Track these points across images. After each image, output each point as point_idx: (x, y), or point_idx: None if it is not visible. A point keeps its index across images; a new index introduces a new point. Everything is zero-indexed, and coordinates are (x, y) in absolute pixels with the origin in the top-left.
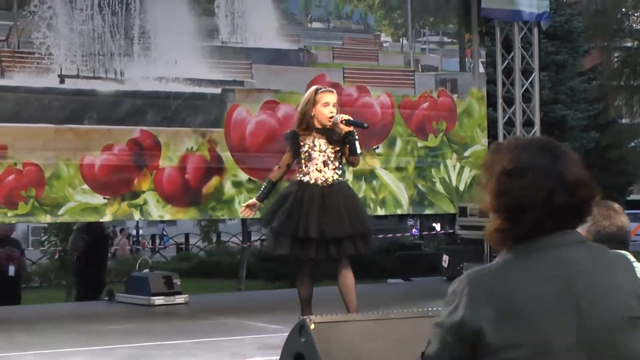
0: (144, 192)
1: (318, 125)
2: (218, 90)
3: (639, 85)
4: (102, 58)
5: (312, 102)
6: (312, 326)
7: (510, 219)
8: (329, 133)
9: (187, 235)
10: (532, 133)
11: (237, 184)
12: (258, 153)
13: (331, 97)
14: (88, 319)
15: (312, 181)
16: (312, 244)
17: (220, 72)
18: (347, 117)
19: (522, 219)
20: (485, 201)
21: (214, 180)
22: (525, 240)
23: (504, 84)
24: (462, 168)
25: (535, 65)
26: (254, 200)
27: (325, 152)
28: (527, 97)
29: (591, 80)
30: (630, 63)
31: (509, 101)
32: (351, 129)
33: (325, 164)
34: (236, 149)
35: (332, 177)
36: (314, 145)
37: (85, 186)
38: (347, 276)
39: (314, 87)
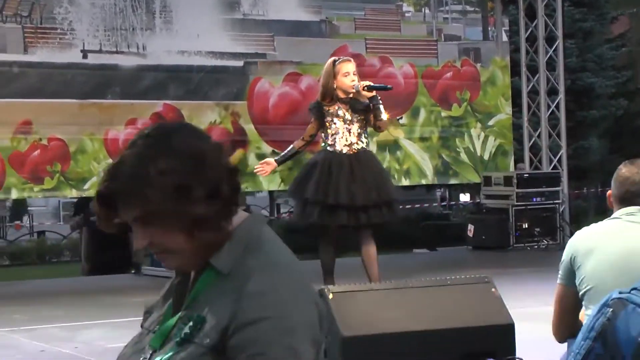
0: None
1: (342, 96)
2: (240, 63)
3: None
4: (124, 32)
5: (333, 74)
6: (330, 296)
7: None
8: (353, 102)
9: None
10: (556, 101)
11: (260, 156)
12: (281, 125)
13: (350, 66)
14: (114, 292)
15: (338, 150)
16: (343, 211)
17: (242, 45)
18: (367, 82)
19: None
20: None
21: (238, 153)
22: None
23: (527, 52)
24: (486, 137)
25: (559, 32)
26: (271, 159)
27: (350, 121)
28: (551, 65)
29: (619, 47)
30: None
31: (533, 69)
32: (374, 93)
33: (350, 132)
34: (259, 121)
35: (358, 145)
36: (339, 115)
37: (110, 160)
38: (370, 247)
39: (331, 59)
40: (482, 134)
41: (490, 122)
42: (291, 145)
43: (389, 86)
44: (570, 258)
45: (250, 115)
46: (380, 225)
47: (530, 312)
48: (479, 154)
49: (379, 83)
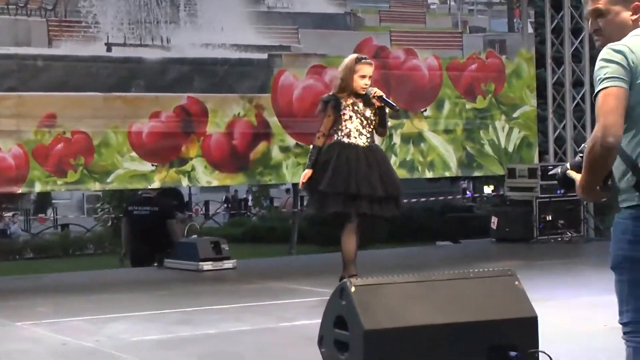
0: (191, 158)
1: (356, 90)
2: (264, 56)
3: None
4: (148, 25)
5: (353, 70)
6: (353, 289)
7: None
8: (366, 97)
9: (240, 201)
10: (581, 93)
11: (284, 149)
12: (305, 118)
13: (369, 70)
14: (136, 285)
15: (353, 142)
16: (362, 200)
17: (266, 38)
18: (380, 93)
19: None
20: None
21: (262, 146)
22: None
23: (553, 44)
24: (510, 129)
25: (585, 24)
26: (308, 171)
27: (364, 114)
28: (577, 57)
29: None
30: None
31: (559, 61)
32: (382, 104)
33: (364, 125)
34: (283, 114)
35: (370, 139)
36: (355, 109)
37: (134, 153)
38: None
39: (354, 56)
40: (507, 126)
41: (515, 114)
42: (312, 146)
43: (397, 107)
44: (632, 66)
45: (275, 108)
46: (388, 219)
47: (554, 304)
48: (503, 146)
49: (404, 81)
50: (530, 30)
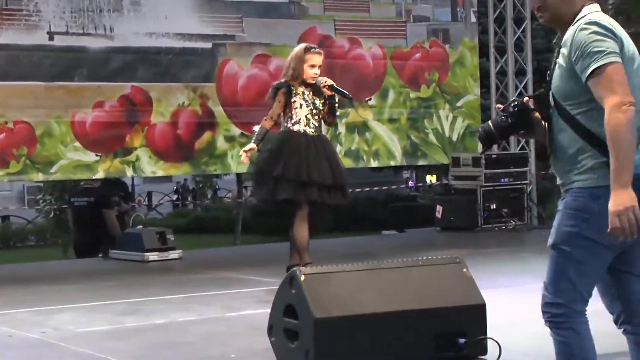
0: (136, 148)
1: (306, 80)
2: (209, 45)
3: (633, 32)
4: (91, 14)
5: (302, 60)
6: (302, 278)
7: None
8: (316, 86)
9: (191, 191)
10: (524, 82)
11: (229, 139)
12: (250, 107)
13: (318, 59)
14: (82, 276)
15: (302, 130)
16: (313, 188)
17: (210, 27)
18: (331, 82)
19: None
20: None
21: (207, 135)
22: None
23: (496, 34)
24: (454, 118)
25: (527, 13)
26: (252, 144)
27: (314, 103)
28: (519, 47)
29: None
30: (624, 11)
31: (502, 50)
32: (333, 94)
33: (313, 115)
34: (228, 103)
35: (319, 128)
36: (304, 97)
37: (77, 143)
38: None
39: (304, 45)
40: (451, 115)
41: (459, 103)
42: (259, 127)
43: (349, 95)
44: (623, 48)
45: (219, 98)
46: (334, 207)
47: (500, 292)
48: (447, 135)
49: (349, 70)
50: (474, 19)
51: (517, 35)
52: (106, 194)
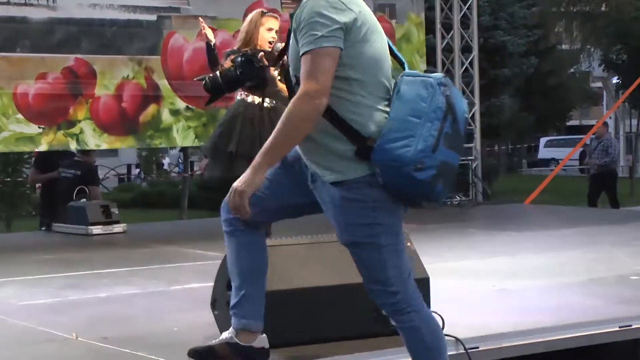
0: (80, 121)
1: (262, 46)
2: (154, 17)
3: (578, 11)
4: None
5: (258, 23)
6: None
7: None
8: (270, 54)
9: (128, 166)
10: (470, 58)
11: (174, 112)
12: (195, 81)
13: (275, 23)
14: (24, 249)
15: (256, 101)
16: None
17: None
18: None
19: None
20: None
21: (151, 109)
22: None
23: (442, 10)
24: None
25: None
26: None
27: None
28: (465, 23)
29: (531, 7)
30: None
31: (448, 27)
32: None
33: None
34: (173, 76)
35: (275, 99)
36: None
37: (20, 115)
38: None
39: (259, 10)
40: None
41: None
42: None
43: None
44: (357, 22)
45: (164, 71)
46: None
47: (445, 266)
48: None
49: None
50: None
51: (463, 12)
52: (93, 168)
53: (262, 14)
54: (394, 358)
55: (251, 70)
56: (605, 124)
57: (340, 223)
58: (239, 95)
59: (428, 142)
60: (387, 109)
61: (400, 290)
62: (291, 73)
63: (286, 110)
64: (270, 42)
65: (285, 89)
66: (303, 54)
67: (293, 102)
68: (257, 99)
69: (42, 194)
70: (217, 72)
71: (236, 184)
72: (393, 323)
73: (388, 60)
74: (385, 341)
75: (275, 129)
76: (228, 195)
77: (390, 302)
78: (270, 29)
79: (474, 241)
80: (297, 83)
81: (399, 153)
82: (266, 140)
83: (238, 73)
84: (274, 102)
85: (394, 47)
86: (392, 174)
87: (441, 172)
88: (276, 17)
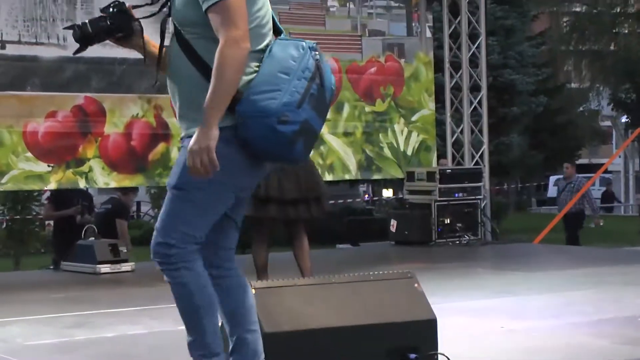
0: (89, 159)
1: None
2: None
3: (587, 50)
4: (44, 23)
5: None
6: (253, 291)
7: None
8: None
9: (138, 203)
10: (478, 97)
11: None
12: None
13: None
14: (31, 288)
15: None
16: (271, 204)
17: (165, 38)
18: None
19: None
20: None
21: (160, 147)
22: None
23: (451, 49)
24: (409, 133)
25: (482, 29)
26: None
27: None
28: (474, 62)
29: (540, 45)
30: (578, 27)
31: (456, 66)
32: None
33: None
34: None
35: None
36: None
37: (29, 154)
38: (302, 240)
39: None
40: (406, 130)
41: (414, 118)
42: None
43: None
44: None
45: (173, 109)
46: (308, 221)
47: (453, 307)
48: (402, 149)
49: None
50: (429, 34)
51: (471, 51)
52: (123, 203)
53: None
54: None
55: (122, 20)
56: (573, 166)
57: (177, 164)
58: None
59: (293, 97)
60: (258, 68)
61: (179, 246)
62: (175, 23)
63: (216, 61)
64: None
65: (150, 41)
66: (214, 4)
67: (221, 51)
68: None
69: (54, 231)
70: (87, 21)
71: (195, 145)
72: (167, 279)
73: (270, 23)
74: None
75: (214, 81)
76: (188, 164)
77: (164, 253)
78: None
79: (482, 280)
80: (176, 30)
81: (264, 104)
82: (272, 177)
83: (109, 23)
84: None
85: (275, 17)
86: (255, 126)
87: (303, 131)
88: None
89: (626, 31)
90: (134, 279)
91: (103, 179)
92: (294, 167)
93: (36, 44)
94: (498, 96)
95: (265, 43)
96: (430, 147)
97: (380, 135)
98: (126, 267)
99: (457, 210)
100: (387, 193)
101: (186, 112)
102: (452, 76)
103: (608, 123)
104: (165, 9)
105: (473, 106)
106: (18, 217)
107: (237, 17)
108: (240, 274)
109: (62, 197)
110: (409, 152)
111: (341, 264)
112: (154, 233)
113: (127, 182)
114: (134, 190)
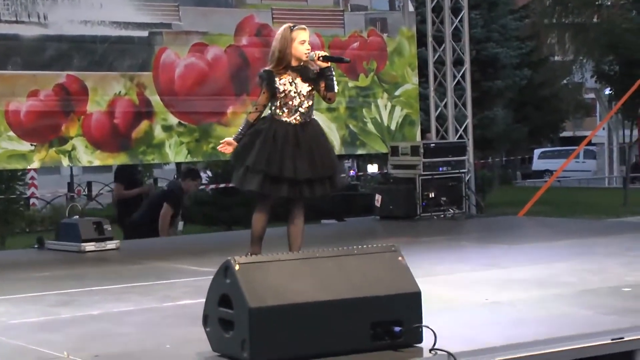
0: (72, 137)
1: (294, 63)
2: (145, 33)
3: (571, 23)
4: (24, 1)
5: (290, 39)
6: (237, 267)
7: None
8: (304, 70)
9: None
10: (462, 71)
11: (167, 128)
12: (187, 96)
13: (306, 35)
14: (16, 267)
15: (286, 119)
16: (284, 184)
17: (147, 15)
18: (323, 53)
19: None
20: None
21: (144, 125)
22: None
23: (433, 23)
24: (393, 107)
25: (465, 2)
26: (231, 140)
27: (301, 90)
28: (457, 36)
29: (523, 18)
30: (562, 0)
31: (440, 40)
32: (328, 64)
33: (300, 102)
34: (165, 92)
35: (306, 115)
36: (291, 84)
37: (12, 133)
38: (301, 219)
39: (287, 25)
40: (389, 104)
41: (397, 92)
42: (245, 119)
43: (346, 59)
44: None
45: (156, 87)
46: (321, 198)
47: (437, 279)
48: (386, 124)
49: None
50: (411, 8)
51: (454, 25)
52: (176, 188)
53: (291, 29)
54: None
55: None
56: None
57: None
58: (270, 111)
59: None
60: None
61: None
62: None
63: None
64: (306, 54)
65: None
66: None
67: None
68: (287, 117)
69: (119, 211)
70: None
71: None
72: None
73: None
74: (380, 357)
75: None
76: None
77: None
78: (303, 42)
79: (467, 254)
80: None
81: None
82: (287, 157)
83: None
84: (306, 118)
85: None
86: None
87: None
88: (305, 29)
89: (609, 3)
90: (118, 257)
91: (86, 157)
92: (308, 143)
93: (16, 22)
94: (482, 70)
95: None
96: (414, 121)
97: (364, 110)
98: (111, 244)
99: (441, 184)
100: (372, 168)
101: None
102: (435, 50)
103: (592, 95)
104: None
105: (456, 80)
106: (2, 196)
107: None
108: None
109: (130, 176)
110: (393, 127)
111: (326, 239)
112: None
113: (111, 160)
114: (193, 175)
